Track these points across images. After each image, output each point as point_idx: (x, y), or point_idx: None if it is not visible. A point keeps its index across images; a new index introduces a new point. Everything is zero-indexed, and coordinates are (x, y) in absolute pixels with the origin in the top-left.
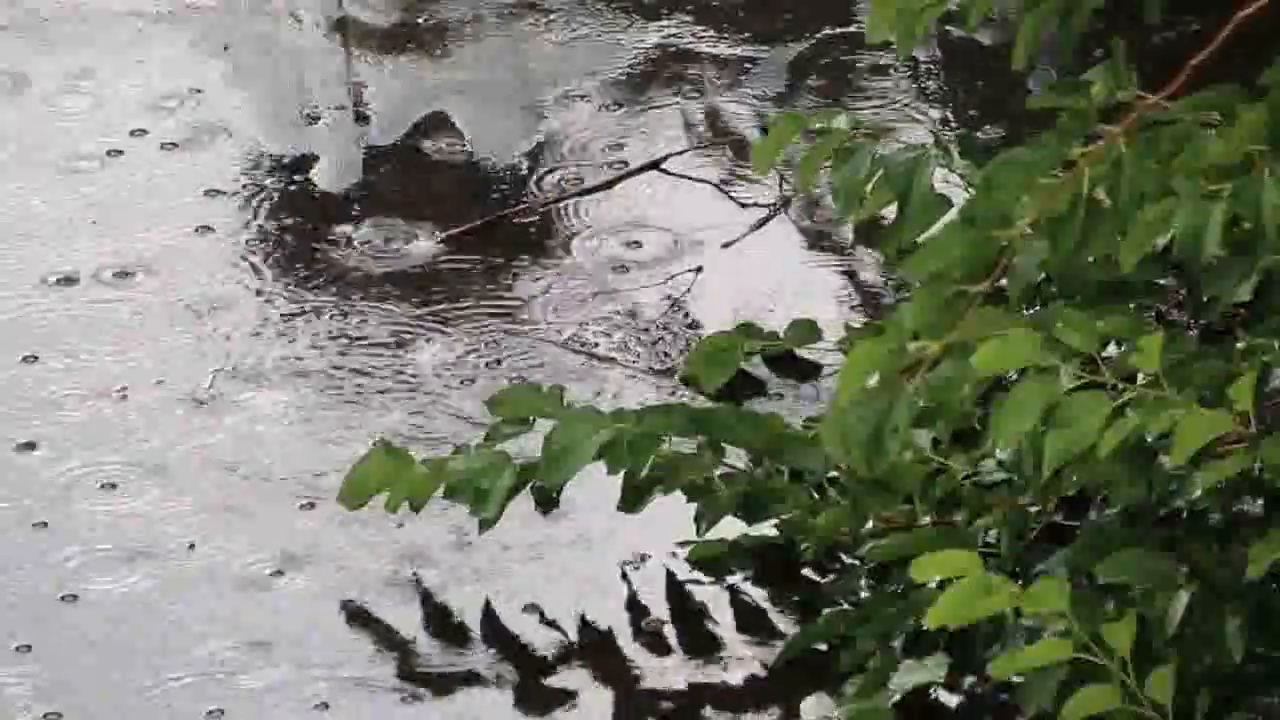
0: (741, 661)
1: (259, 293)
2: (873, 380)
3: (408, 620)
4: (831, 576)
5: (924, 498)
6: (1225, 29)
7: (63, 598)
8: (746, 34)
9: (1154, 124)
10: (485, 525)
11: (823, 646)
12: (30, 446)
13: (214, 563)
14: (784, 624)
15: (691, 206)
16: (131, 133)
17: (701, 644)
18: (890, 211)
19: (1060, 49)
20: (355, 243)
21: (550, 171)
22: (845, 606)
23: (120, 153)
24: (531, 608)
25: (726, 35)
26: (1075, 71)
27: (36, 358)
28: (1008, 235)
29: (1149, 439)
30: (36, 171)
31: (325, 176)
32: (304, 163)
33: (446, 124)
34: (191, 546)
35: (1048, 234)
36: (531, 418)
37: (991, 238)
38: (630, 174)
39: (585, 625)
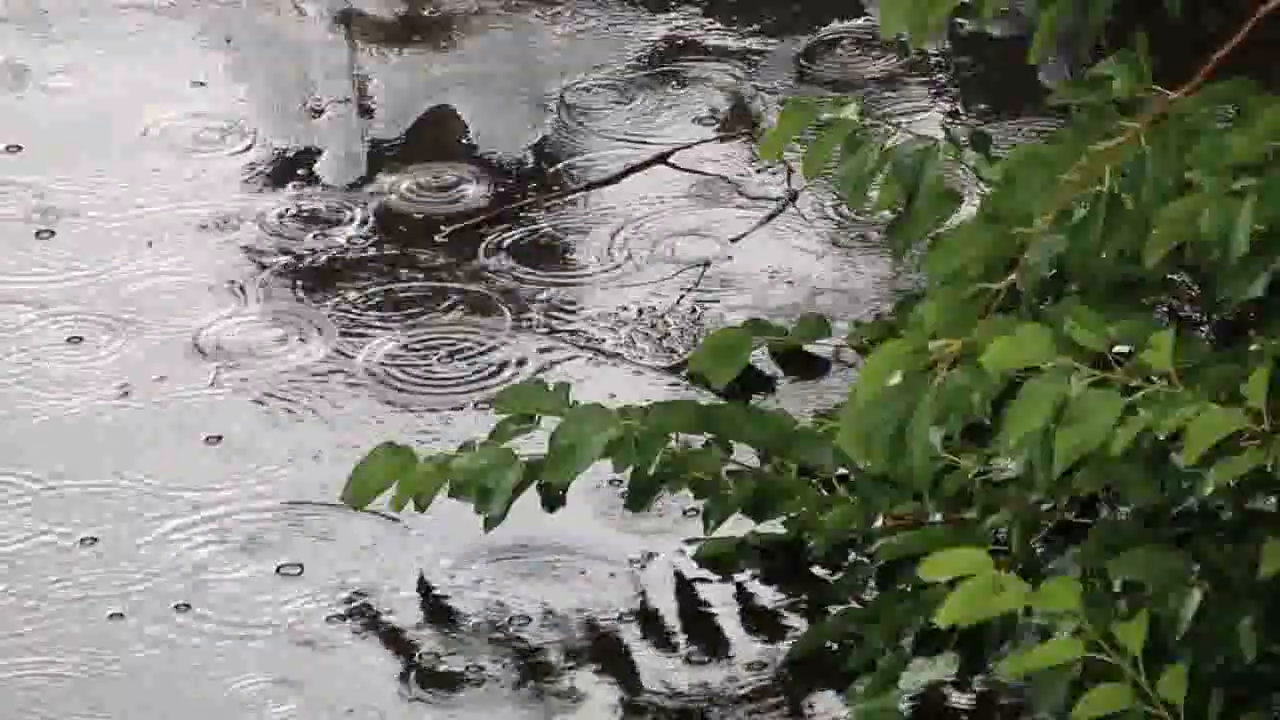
0: (750, 660)
1: (262, 290)
2: (894, 380)
3: (411, 618)
4: (840, 574)
5: (934, 495)
6: (1246, 25)
7: None
8: (754, 26)
9: (1170, 118)
10: (491, 524)
11: (832, 645)
12: None
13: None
14: (792, 622)
15: (699, 200)
16: (132, 128)
17: (709, 642)
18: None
19: (1076, 44)
20: (358, 238)
21: (556, 165)
22: (854, 605)
23: (121, 149)
24: (537, 606)
25: (734, 28)
26: (1090, 65)
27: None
28: (1028, 233)
29: (1161, 437)
30: (36, 168)
31: (329, 170)
32: (308, 156)
33: (452, 117)
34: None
35: (1068, 233)
36: (537, 415)
37: (1012, 235)
38: (637, 168)
39: (592, 624)
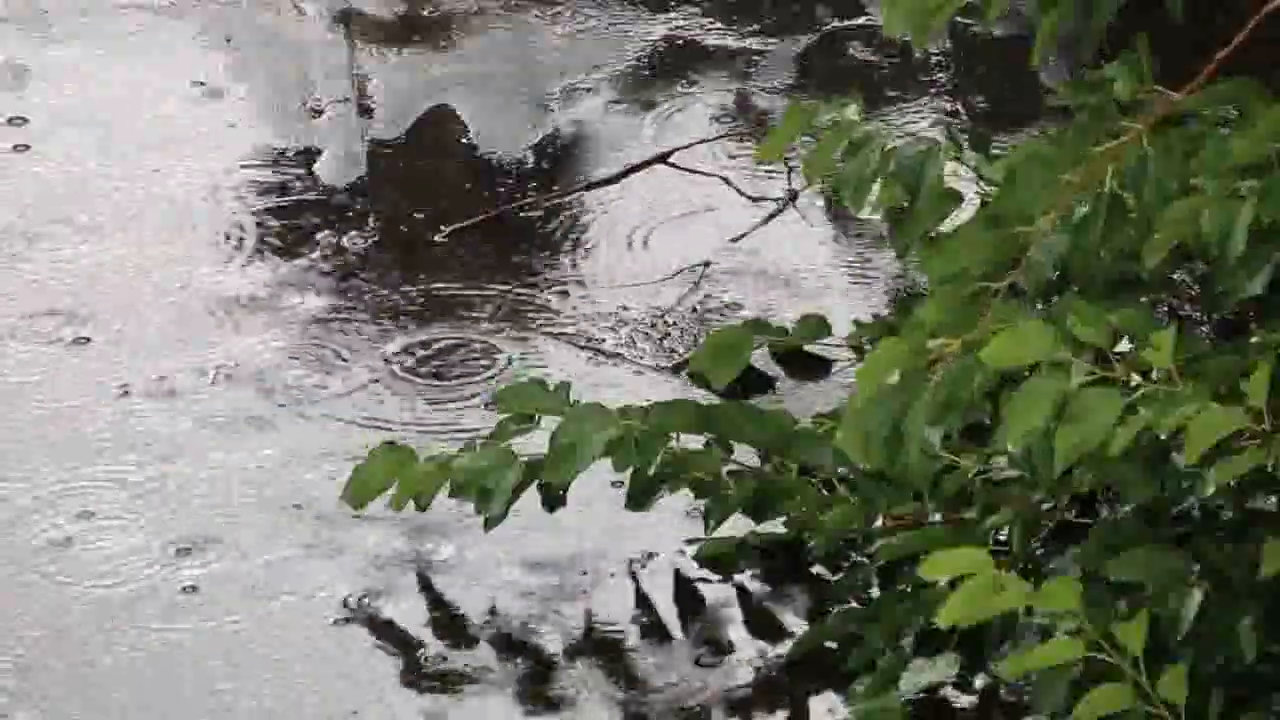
0: (750, 660)
1: (262, 289)
2: (892, 379)
3: (412, 618)
4: (841, 574)
5: (934, 495)
6: (1247, 26)
7: None
8: (755, 26)
9: (1171, 119)
10: (491, 523)
11: (832, 645)
12: None
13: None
14: (793, 622)
15: (699, 200)
16: (132, 128)
17: (709, 642)
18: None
19: (1079, 47)
20: (358, 238)
21: (556, 165)
22: (855, 605)
23: (121, 150)
24: (538, 605)
25: (734, 27)
26: (1091, 66)
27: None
28: (1030, 233)
29: (1161, 436)
30: (36, 167)
31: (329, 170)
32: (307, 156)
33: (451, 117)
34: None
35: (1069, 232)
36: (537, 415)
37: (1013, 235)
38: (637, 168)
39: (592, 623)
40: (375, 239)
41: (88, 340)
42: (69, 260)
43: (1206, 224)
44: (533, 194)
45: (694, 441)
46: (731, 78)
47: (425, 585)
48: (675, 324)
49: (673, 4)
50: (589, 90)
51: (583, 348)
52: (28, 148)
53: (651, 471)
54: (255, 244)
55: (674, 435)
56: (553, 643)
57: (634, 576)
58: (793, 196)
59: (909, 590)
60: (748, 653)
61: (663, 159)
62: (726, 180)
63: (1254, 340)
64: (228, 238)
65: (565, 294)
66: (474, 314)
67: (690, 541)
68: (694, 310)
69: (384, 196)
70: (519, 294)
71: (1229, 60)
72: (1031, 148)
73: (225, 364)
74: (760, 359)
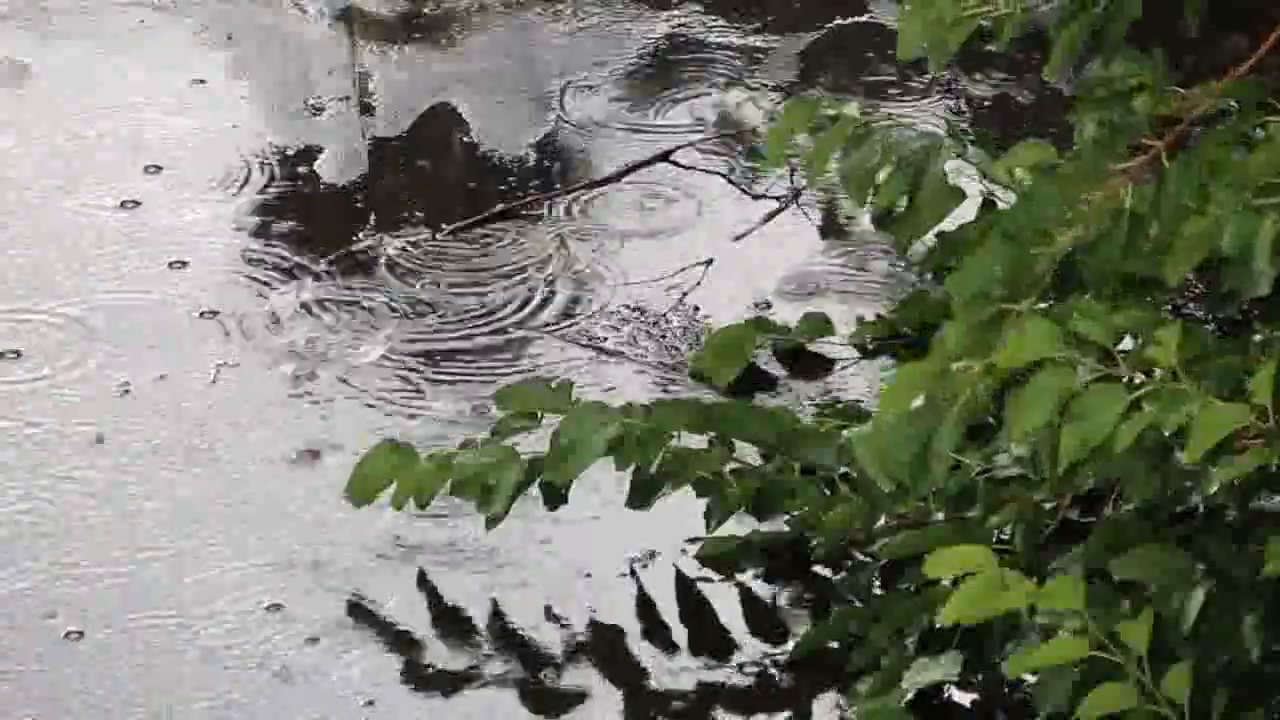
0: (752, 659)
1: (262, 288)
2: (917, 402)
3: (415, 618)
4: (843, 573)
5: (937, 494)
6: (1266, 43)
7: None
8: (757, 24)
9: (1192, 124)
10: (493, 522)
11: (835, 644)
12: None
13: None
14: (795, 621)
15: (701, 199)
16: (133, 126)
17: (712, 642)
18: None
19: (1100, 51)
20: (359, 235)
21: (557, 163)
22: (857, 604)
23: (122, 148)
24: (540, 605)
25: (737, 25)
26: (1098, 63)
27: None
28: (1049, 252)
29: (1165, 434)
30: (37, 165)
31: (330, 168)
32: (308, 154)
33: (453, 115)
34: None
35: (1090, 250)
36: (539, 413)
37: (1034, 256)
38: (639, 166)
39: (594, 623)
40: (376, 237)
41: (84, 338)
42: (71, 261)
43: (1227, 240)
44: (534, 192)
45: (696, 440)
46: (734, 75)
47: (426, 584)
48: (677, 323)
49: (675, 1)
50: (590, 88)
51: (584, 346)
52: (26, 148)
53: (653, 470)
54: (255, 244)
55: (676, 434)
56: (554, 642)
57: (635, 576)
58: (794, 195)
59: (912, 589)
60: (750, 652)
61: (665, 157)
62: (728, 178)
63: (1257, 338)
64: (228, 239)
65: (566, 292)
66: (474, 313)
67: (691, 541)
68: (696, 308)
69: (384, 194)
70: (520, 293)
71: (1249, 67)
72: (1038, 151)
73: (227, 363)
74: (762, 358)
